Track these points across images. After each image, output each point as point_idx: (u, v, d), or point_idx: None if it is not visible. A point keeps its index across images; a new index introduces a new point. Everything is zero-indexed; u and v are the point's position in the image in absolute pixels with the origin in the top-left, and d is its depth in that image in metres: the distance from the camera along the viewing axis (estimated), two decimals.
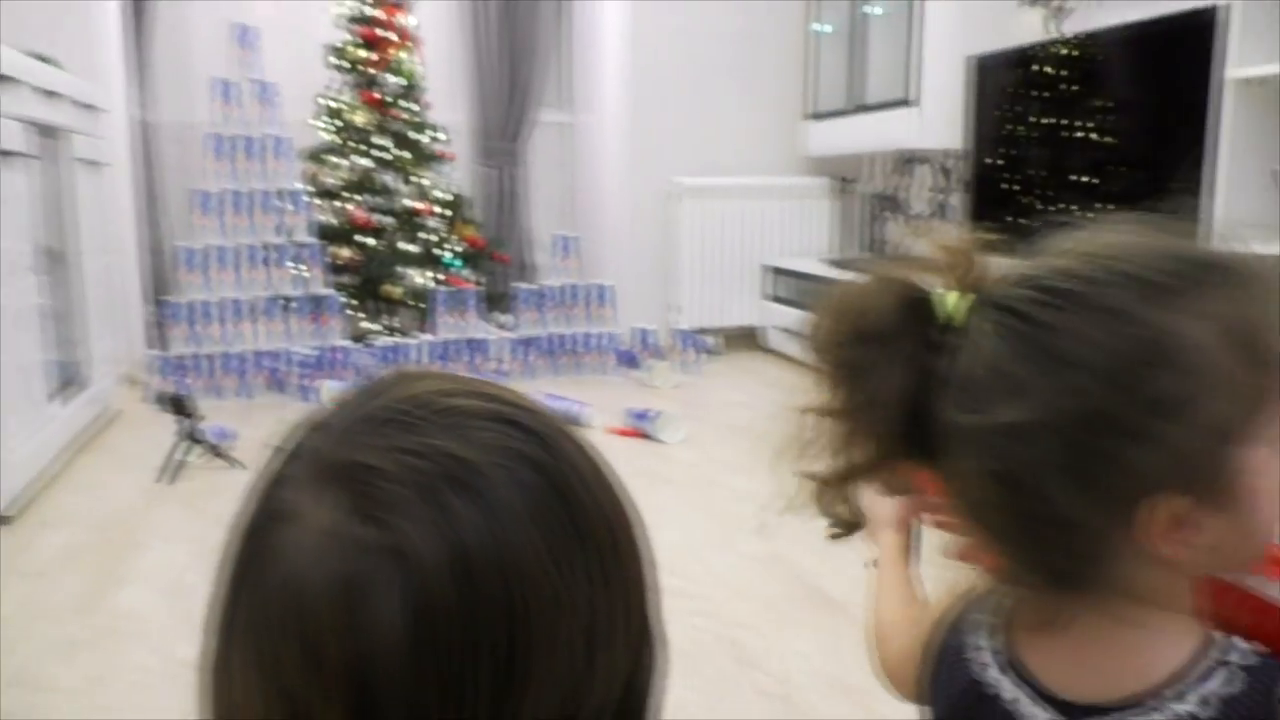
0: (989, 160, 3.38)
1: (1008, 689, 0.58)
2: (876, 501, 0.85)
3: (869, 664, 0.77)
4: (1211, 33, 2.43)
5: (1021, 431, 0.50)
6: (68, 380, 3.18)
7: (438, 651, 0.38)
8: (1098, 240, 0.54)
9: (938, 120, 3.74)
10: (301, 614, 0.38)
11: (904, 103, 3.84)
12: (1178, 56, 2.60)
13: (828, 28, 4.50)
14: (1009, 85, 3.33)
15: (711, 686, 1.69)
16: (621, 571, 0.44)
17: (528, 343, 4.21)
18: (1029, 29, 3.64)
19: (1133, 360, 0.49)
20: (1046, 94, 3.12)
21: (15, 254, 2.67)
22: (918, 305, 0.56)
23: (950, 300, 0.55)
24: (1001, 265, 0.56)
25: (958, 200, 3.91)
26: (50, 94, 2.99)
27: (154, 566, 2.23)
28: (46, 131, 3.00)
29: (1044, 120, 3.12)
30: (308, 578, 0.38)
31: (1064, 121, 3.04)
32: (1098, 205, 2.86)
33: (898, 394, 0.54)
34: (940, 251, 0.56)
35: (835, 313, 0.58)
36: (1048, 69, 3.09)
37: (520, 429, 0.43)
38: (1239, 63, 2.37)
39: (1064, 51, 3.03)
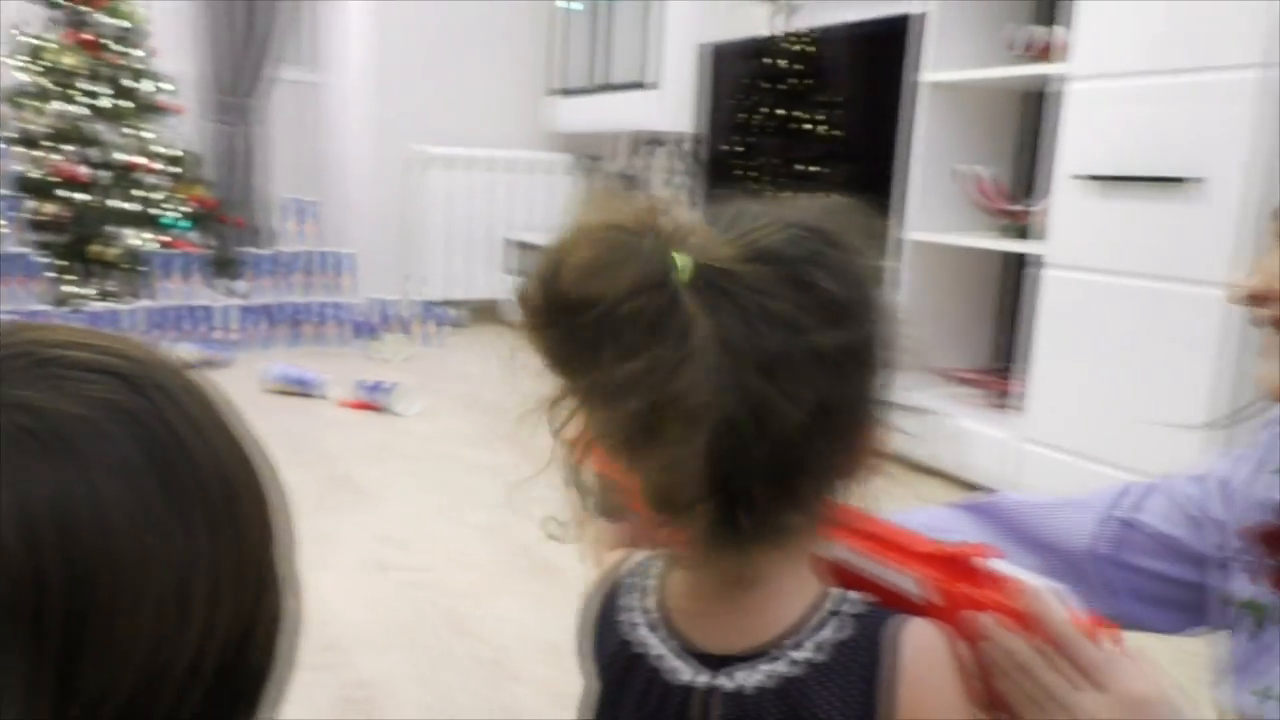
0: (724, 146, 3.53)
1: (655, 646, 0.61)
2: (605, 534, 0.86)
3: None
4: (907, 38, 2.66)
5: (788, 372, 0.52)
6: None
7: (2, 609, 0.36)
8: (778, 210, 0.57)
9: (674, 104, 3.88)
10: None
11: (643, 85, 3.94)
12: (886, 58, 2.82)
13: (576, 5, 4.55)
14: (741, 75, 3.50)
15: (428, 656, 1.69)
16: (235, 524, 0.44)
17: (259, 311, 4.01)
18: (759, 22, 3.85)
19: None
20: (777, 85, 3.30)
21: None
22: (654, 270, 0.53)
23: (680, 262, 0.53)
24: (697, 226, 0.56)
25: (694, 183, 4.07)
26: None
27: None
28: None
29: (775, 110, 3.29)
30: None
31: (792, 112, 3.23)
32: (829, 193, 3.07)
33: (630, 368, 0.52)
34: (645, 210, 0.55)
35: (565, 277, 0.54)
36: (778, 61, 3.27)
37: (123, 380, 0.42)
38: (932, 67, 2.61)
39: (791, 46, 3.21)
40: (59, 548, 0.37)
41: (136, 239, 4.05)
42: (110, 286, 4.07)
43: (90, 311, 3.74)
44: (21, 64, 3.99)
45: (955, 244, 2.66)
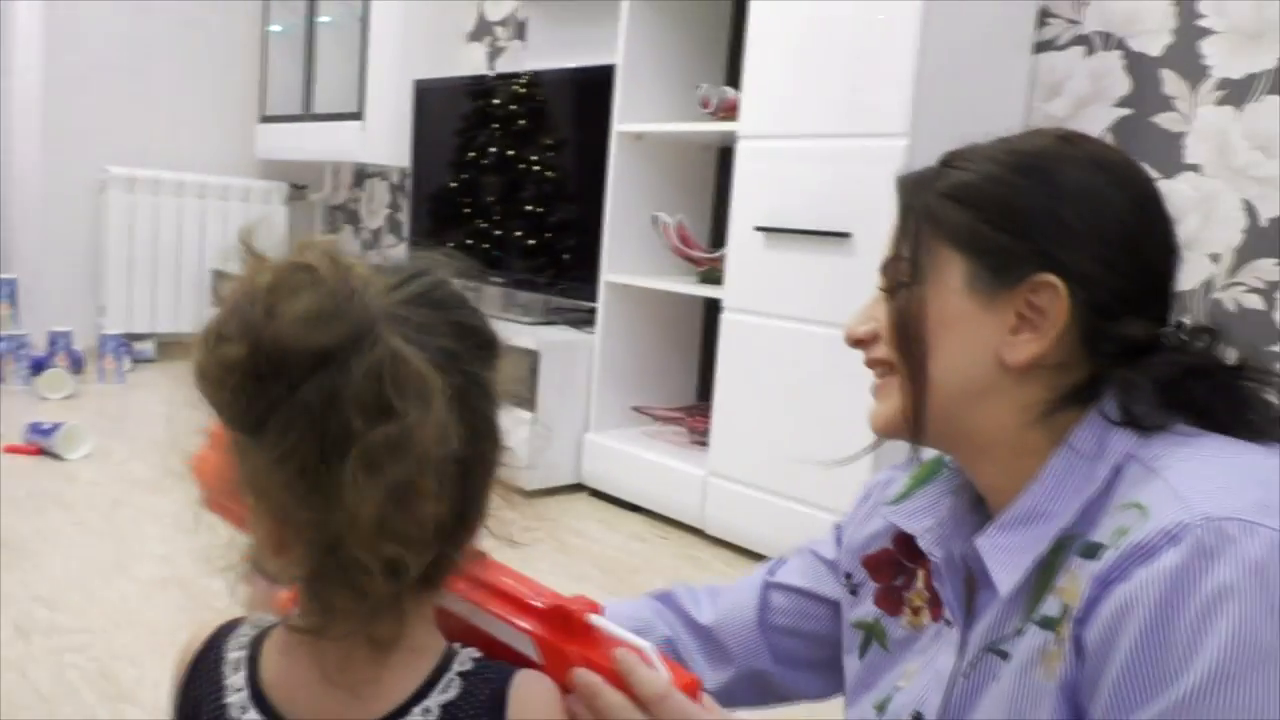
0: (443, 182, 3.51)
1: None
2: (262, 591, 0.81)
3: None
4: (611, 88, 2.78)
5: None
6: None
7: None
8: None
9: (386, 137, 3.82)
10: None
11: (355, 116, 3.86)
12: (593, 105, 2.92)
13: (278, 28, 4.39)
14: (455, 112, 3.50)
15: None
16: None
17: None
18: (473, 62, 3.89)
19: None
20: (491, 125, 3.33)
21: None
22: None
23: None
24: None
25: (408, 217, 4.02)
26: None
27: None
28: None
29: (491, 149, 3.32)
30: None
31: (507, 152, 3.26)
32: (545, 233, 3.11)
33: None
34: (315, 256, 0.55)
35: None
36: (492, 101, 3.30)
37: None
38: (625, 118, 2.74)
39: (505, 87, 3.26)
40: None
41: None
42: None
43: None
44: None
45: (650, 287, 2.78)
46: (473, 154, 3.40)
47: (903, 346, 0.74)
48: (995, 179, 0.72)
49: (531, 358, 2.81)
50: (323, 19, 4.08)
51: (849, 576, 0.88)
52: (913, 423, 0.74)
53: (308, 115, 4.18)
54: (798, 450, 2.29)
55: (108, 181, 4.20)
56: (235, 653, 0.61)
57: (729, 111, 2.58)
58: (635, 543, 2.55)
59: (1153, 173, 0.76)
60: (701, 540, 2.57)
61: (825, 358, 2.21)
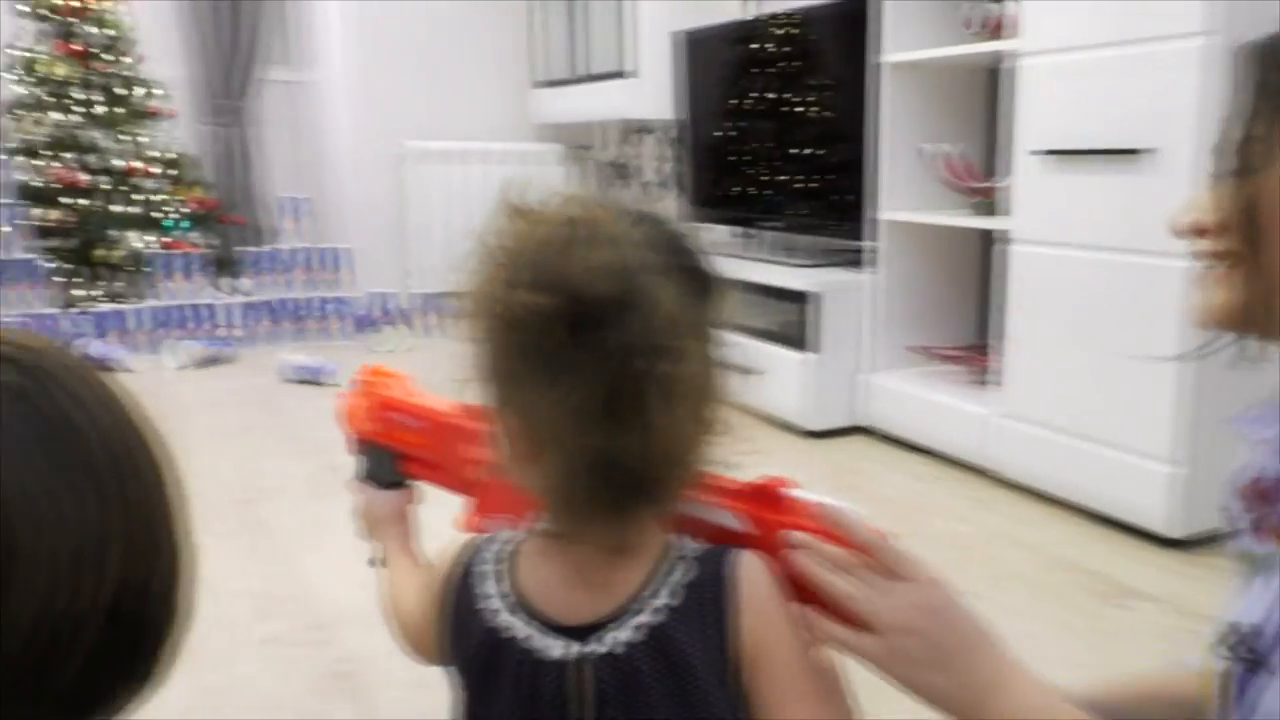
0: (716, 131, 3.58)
1: (520, 629, 0.66)
2: (373, 501, 0.93)
3: (393, 638, 0.82)
4: (864, 20, 2.71)
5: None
6: None
7: None
8: None
9: (654, 92, 3.92)
10: None
11: (621, 74, 4.00)
12: (852, 39, 2.86)
13: None
14: (716, 60, 3.55)
15: None
16: (124, 493, 0.49)
17: (262, 307, 4.09)
18: (729, 8, 3.90)
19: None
20: (753, 70, 3.35)
21: None
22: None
23: None
24: None
25: (683, 169, 4.12)
26: None
27: None
28: None
29: (754, 94, 3.34)
30: None
31: (770, 96, 3.27)
32: (813, 174, 3.11)
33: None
34: None
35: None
36: (751, 46, 3.32)
37: (24, 370, 0.47)
38: (890, 48, 2.66)
39: (764, 30, 3.26)
40: None
41: (139, 241, 4.14)
42: (116, 288, 4.17)
43: (96, 312, 3.83)
44: (17, 77, 4.08)
45: (927, 222, 2.71)
46: (738, 101, 3.44)
47: (1255, 236, 0.69)
48: None
49: (806, 300, 2.83)
50: None
51: (1229, 514, 0.83)
52: (1240, 316, 0.70)
53: (578, 77, 4.37)
54: (1095, 388, 2.18)
55: (406, 155, 4.62)
56: (487, 562, 0.70)
57: (995, 30, 2.44)
58: (916, 483, 2.53)
59: None
60: (985, 481, 2.50)
61: (1126, 288, 2.07)
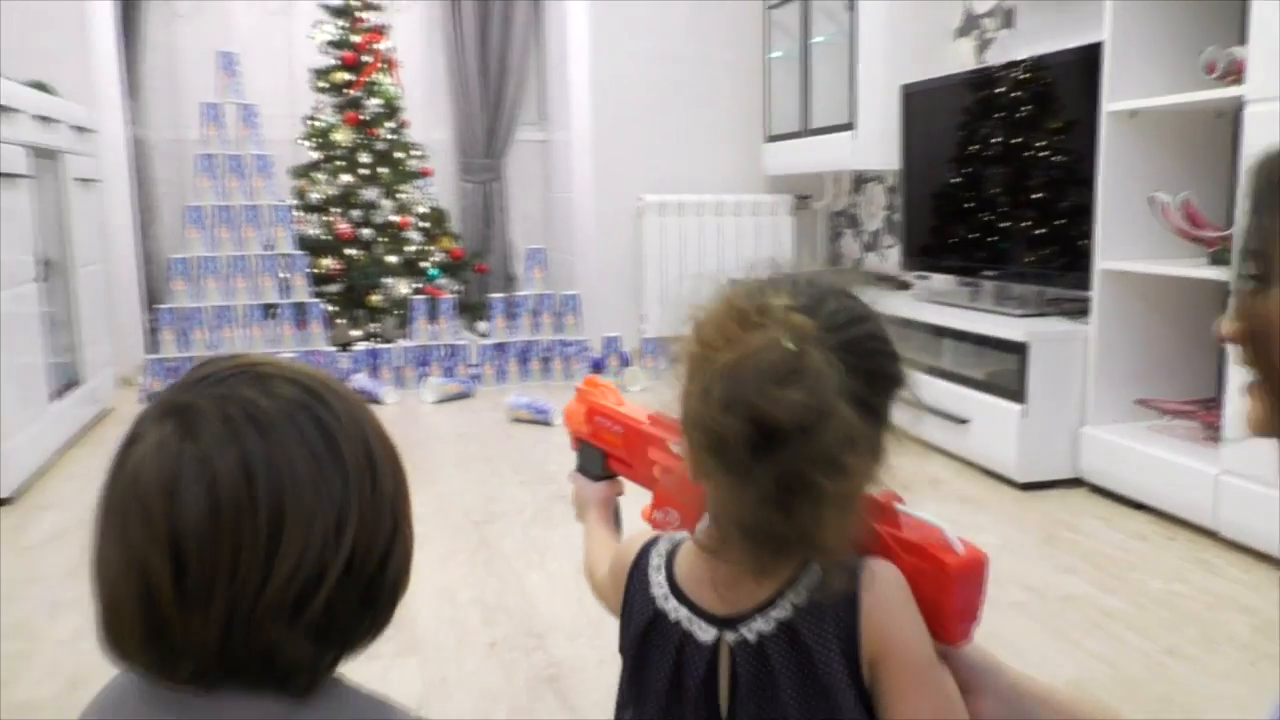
0: (938, 179, 3.60)
1: (676, 610, 0.79)
2: (583, 489, 1.12)
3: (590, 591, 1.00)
4: (1098, 67, 2.68)
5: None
6: (69, 382, 3.45)
7: (226, 521, 0.61)
8: None
9: (875, 143, 3.99)
10: (141, 496, 0.61)
11: (846, 126, 4.09)
12: (1082, 87, 2.83)
13: (778, 53, 4.76)
14: (941, 110, 3.58)
15: (611, 645, 1.93)
16: (375, 483, 0.67)
17: (500, 348, 4.46)
18: (955, 60, 3.91)
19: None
20: (979, 117, 3.36)
21: (16, 265, 2.94)
22: None
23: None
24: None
25: (904, 217, 4.15)
26: (46, 120, 3.26)
27: None
28: (44, 153, 3.27)
29: (977, 142, 3.35)
30: (145, 473, 0.62)
31: (995, 143, 3.27)
32: (1035, 222, 3.08)
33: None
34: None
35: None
36: (978, 94, 3.34)
37: (307, 391, 0.66)
38: (1115, 95, 2.62)
39: (990, 78, 3.27)
40: (265, 483, 0.62)
41: (403, 287, 4.63)
42: (380, 329, 4.68)
43: (365, 350, 4.31)
44: (314, 144, 4.70)
45: (1151, 272, 2.63)
46: (961, 149, 3.45)
47: (1249, 350, 0.72)
48: None
49: (1024, 350, 2.80)
50: (816, 39, 4.37)
51: None
52: (1269, 425, 0.72)
53: (806, 131, 4.49)
54: None
55: (644, 208, 4.90)
56: (656, 559, 0.84)
57: (1239, 75, 2.36)
58: (1136, 541, 2.44)
59: None
60: (1210, 542, 2.38)
61: None
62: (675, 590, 0.81)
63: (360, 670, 1.77)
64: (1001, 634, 1.91)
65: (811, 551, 0.74)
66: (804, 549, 0.74)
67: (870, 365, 0.73)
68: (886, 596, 0.75)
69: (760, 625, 0.76)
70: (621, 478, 1.12)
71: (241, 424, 0.63)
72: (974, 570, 0.78)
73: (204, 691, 0.63)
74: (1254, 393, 0.75)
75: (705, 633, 0.78)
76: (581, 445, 1.16)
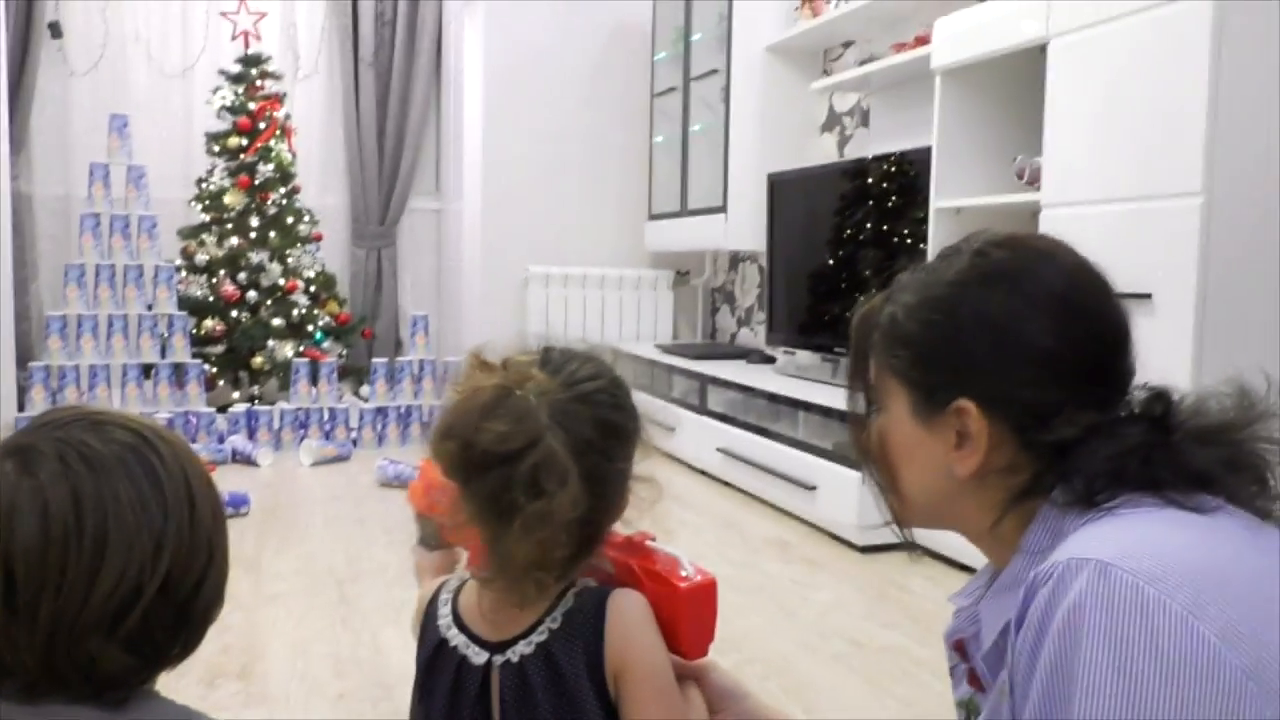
0: (802, 263, 3.85)
1: (455, 637, 0.93)
2: (423, 559, 1.24)
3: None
4: (928, 167, 2.97)
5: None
6: None
7: (55, 544, 0.72)
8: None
9: (746, 226, 4.26)
10: None
11: (720, 209, 4.35)
12: (916, 185, 3.12)
13: (660, 138, 5.03)
14: (804, 197, 3.86)
15: None
16: (192, 517, 0.78)
17: (381, 412, 4.53)
18: (822, 150, 4.22)
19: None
20: (836, 206, 3.63)
21: None
22: None
23: None
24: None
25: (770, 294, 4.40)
26: None
27: None
28: None
29: (831, 228, 3.62)
30: None
31: (846, 231, 3.54)
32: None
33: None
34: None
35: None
36: (835, 186, 3.62)
37: (138, 436, 0.78)
38: (941, 195, 2.90)
39: (841, 171, 3.55)
40: (92, 513, 0.73)
41: (288, 350, 4.67)
42: (256, 391, 4.70)
43: (237, 411, 4.32)
44: (201, 206, 4.75)
45: None
46: (822, 233, 3.72)
47: (878, 467, 0.90)
48: (915, 318, 0.84)
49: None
50: (694, 127, 4.65)
51: (950, 665, 0.98)
52: (902, 521, 0.92)
53: (684, 211, 4.75)
54: None
55: (530, 278, 5.07)
56: (445, 593, 0.98)
57: (1035, 180, 2.65)
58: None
59: None
60: None
61: None
62: (457, 620, 0.94)
63: None
64: (819, 683, 2.07)
65: (541, 569, 0.87)
66: (526, 570, 0.87)
67: (602, 415, 0.89)
68: (627, 619, 0.90)
69: (522, 648, 0.90)
70: (457, 547, 1.25)
71: (75, 462, 0.74)
72: (703, 592, 0.93)
73: (28, 702, 0.72)
74: (887, 499, 0.93)
75: (478, 656, 0.91)
76: (421, 518, 1.28)
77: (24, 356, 4.56)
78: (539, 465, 0.84)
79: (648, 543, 0.95)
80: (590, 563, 0.95)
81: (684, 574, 0.93)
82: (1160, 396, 0.80)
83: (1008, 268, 0.83)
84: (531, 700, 0.88)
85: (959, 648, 0.96)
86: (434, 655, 0.94)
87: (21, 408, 4.21)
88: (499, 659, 0.90)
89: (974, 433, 0.80)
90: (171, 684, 2.07)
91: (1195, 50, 2.05)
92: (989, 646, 0.84)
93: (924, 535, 2.96)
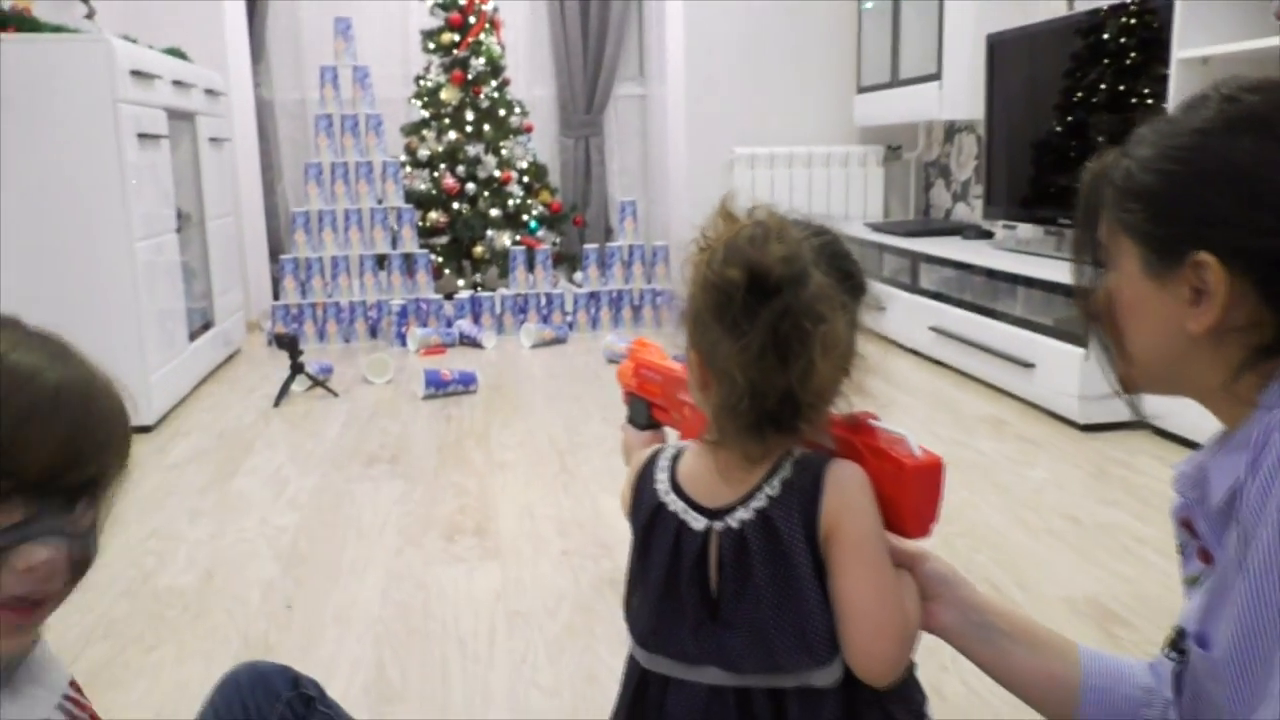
0: (1024, 131, 3.63)
1: (674, 503, 0.95)
2: (631, 438, 1.28)
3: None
4: (1170, 15, 2.70)
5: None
6: (204, 324, 3.83)
7: None
8: None
9: (962, 94, 4.02)
10: None
11: (934, 77, 4.13)
12: (1156, 35, 2.85)
13: (869, 5, 4.79)
14: (1025, 60, 3.60)
15: None
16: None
17: (594, 297, 4.68)
18: (1048, 7, 3.90)
19: None
20: (1062, 66, 3.38)
21: (158, 218, 3.29)
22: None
23: None
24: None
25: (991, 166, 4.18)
26: (182, 84, 3.60)
27: (260, 464, 2.81)
28: (180, 115, 3.61)
29: (1061, 90, 3.37)
30: None
31: (1076, 93, 3.29)
32: None
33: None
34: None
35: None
36: (1061, 45, 3.36)
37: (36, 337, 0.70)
38: (1184, 44, 2.64)
39: (1070, 26, 3.28)
40: None
41: (505, 239, 4.89)
42: (478, 279, 4.96)
43: (464, 298, 4.59)
44: (421, 103, 4.98)
45: None
46: (1046, 98, 3.47)
47: (1105, 329, 0.87)
48: (1152, 169, 0.81)
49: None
50: None
51: (1179, 543, 0.95)
52: (1130, 385, 0.89)
53: (895, 81, 4.54)
54: None
55: (734, 160, 5.03)
56: (663, 460, 1.00)
57: None
58: None
59: None
60: None
61: None
62: (675, 487, 0.97)
63: (449, 570, 2.15)
64: (1032, 556, 2.04)
65: (802, 413, 0.89)
66: (793, 411, 0.89)
67: (838, 265, 0.90)
68: (844, 486, 0.90)
69: (741, 514, 0.92)
70: (665, 427, 1.30)
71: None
72: (929, 471, 0.91)
73: None
74: (1114, 360, 0.90)
75: (698, 522, 0.94)
76: (630, 398, 1.34)
77: (275, 250, 4.99)
78: (817, 291, 0.86)
79: (870, 420, 0.96)
80: (815, 434, 0.95)
81: (910, 452, 0.93)
82: None
83: (1260, 111, 0.77)
84: (749, 565, 0.91)
85: (1187, 525, 0.94)
86: (652, 518, 0.97)
87: (277, 296, 4.63)
88: (719, 525, 0.92)
89: (1213, 287, 0.77)
90: (416, 537, 2.36)
91: None
92: (1220, 503, 0.81)
93: (1152, 411, 2.83)
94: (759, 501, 0.90)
